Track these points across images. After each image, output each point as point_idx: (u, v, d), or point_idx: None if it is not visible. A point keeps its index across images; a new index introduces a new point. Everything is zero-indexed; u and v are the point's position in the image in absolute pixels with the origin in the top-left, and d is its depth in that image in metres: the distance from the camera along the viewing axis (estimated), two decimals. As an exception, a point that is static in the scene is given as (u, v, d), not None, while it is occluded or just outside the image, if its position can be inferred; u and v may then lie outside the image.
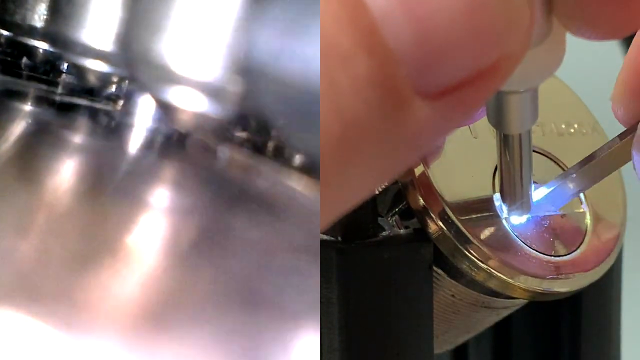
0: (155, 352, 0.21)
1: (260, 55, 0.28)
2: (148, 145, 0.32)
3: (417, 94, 0.16)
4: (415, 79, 0.15)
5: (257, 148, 0.32)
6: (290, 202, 0.30)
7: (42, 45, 0.34)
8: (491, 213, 0.25)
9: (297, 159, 0.32)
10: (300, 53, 0.27)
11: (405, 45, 0.15)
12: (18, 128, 0.32)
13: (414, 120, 0.16)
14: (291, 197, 0.30)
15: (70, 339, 0.21)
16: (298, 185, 0.31)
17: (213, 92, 0.31)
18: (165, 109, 0.31)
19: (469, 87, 0.16)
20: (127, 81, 0.33)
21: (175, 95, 0.31)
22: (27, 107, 0.33)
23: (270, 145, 0.32)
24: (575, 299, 0.29)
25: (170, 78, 0.30)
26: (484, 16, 0.15)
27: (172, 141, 0.32)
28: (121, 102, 0.33)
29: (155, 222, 0.29)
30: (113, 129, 0.32)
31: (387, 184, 0.26)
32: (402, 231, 0.26)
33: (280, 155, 0.32)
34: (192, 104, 0.31)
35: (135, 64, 0.31)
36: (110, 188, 0.29)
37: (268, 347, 0.22)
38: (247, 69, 0.29)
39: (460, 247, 0.25)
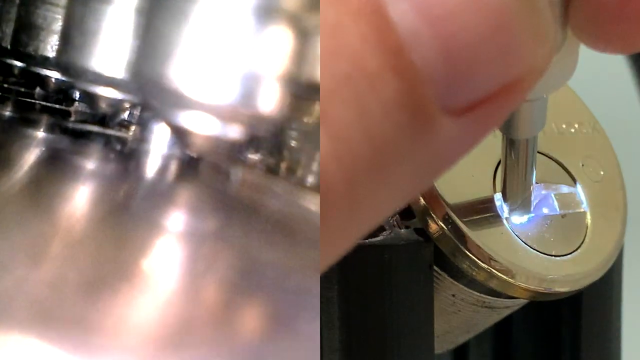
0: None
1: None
2: (162, 169, 0.32)
3: (443, 111, 0.16)
4: (442, 97, 0.16)
5: (270, 169, 0.32)
6: (304, 222, 0.30)
7: (54, 75, 0.34)
8: (492, 213, 0.25)
9: (310, 179, 0.32)
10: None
11: (432, 65, 0.15)
12: (31, 156, 0.32)
13: (441, 139, 0.16)
14: (305, 217, 0.30)
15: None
16: (311, 205, 0.31)
17: (225, 115, 0.31)
18: (178, 134, 0.32)
19: (494, 102, 0.16)
20: (139, 107, 0.33)
21: (187, 120, 0.31)
22: (40, 134, 0.33)
23: (283, 165, 0.33)
24: (575, 299, 0.29)
25: (182, 103, 0.31)
26: (511, 32, 0.15)
27: (185, 165, 0.32)
28: (133, 129, 0.33)
29: (171, 247, 0.29)
30: (126, 155, 0.33)
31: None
32: (402, 231, 0.26)
33: (294, 176, 0.32)
34: (204, 127, 0.31)
35: (147, 89, 0.31)
36: (125, 213, 0.30)
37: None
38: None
39: (460, 246, 0.25)
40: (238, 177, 0.32)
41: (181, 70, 0.31)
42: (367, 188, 0.15)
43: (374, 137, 0.15)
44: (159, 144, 0.32)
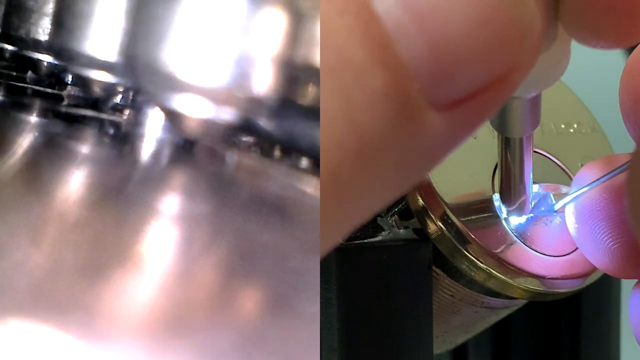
0: (173, 358, 0.21)
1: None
2: (157, 153, 0.32)
3: (430, 105, 0.16)
4: (428, 91, 0.16)
5: (265, 152, 0.33)
6: (299, 204, 0.30)
7: (46, 59, 0.34)
8: (490, 213, 0.25)
9: (304, 161, 0.32)
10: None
11: (419, 58, 0.15)
12: (26, 141, 0.32)
13: (428, 132, 0.16)
14: (300, 199, 0.30)
15: (87, 347, 0.21)
16: (306, 186, 0.31)
17: (219, 97, 0.31)
18: (171, 117, 0.32)
19: (481, 97, 0.16)
20: (132, 91, 0.33)
21: (181, 103, 0.31)
22: (34, 119, 0.33)
23: (277, 148, 0.33)
24: (574, 299, 0.29)
25: (176, 86, 0.31)
26: (497, 27, 0.15)
27: (180, 148, 0.32)
28: (127, 112, 0.33)
29: (166, 229, 0.29)
30: (120, 138, 0.33)
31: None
32: (401, 231, 0.26)
33: (288, 158, 0.33)
34: (198, 110, 0.31)
35: (141, 73, 0.31)
36: (120, 197, 0.30)
37: (290, 351, 0.22)
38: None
39: (459, 247, 0.25)
40: (234, 160, 0.32)
41: (174, 53, 0.31)
42: (353, 179, 0.15)
43: (360, 128, 0.15)
44: (153, 128, 0.32)
